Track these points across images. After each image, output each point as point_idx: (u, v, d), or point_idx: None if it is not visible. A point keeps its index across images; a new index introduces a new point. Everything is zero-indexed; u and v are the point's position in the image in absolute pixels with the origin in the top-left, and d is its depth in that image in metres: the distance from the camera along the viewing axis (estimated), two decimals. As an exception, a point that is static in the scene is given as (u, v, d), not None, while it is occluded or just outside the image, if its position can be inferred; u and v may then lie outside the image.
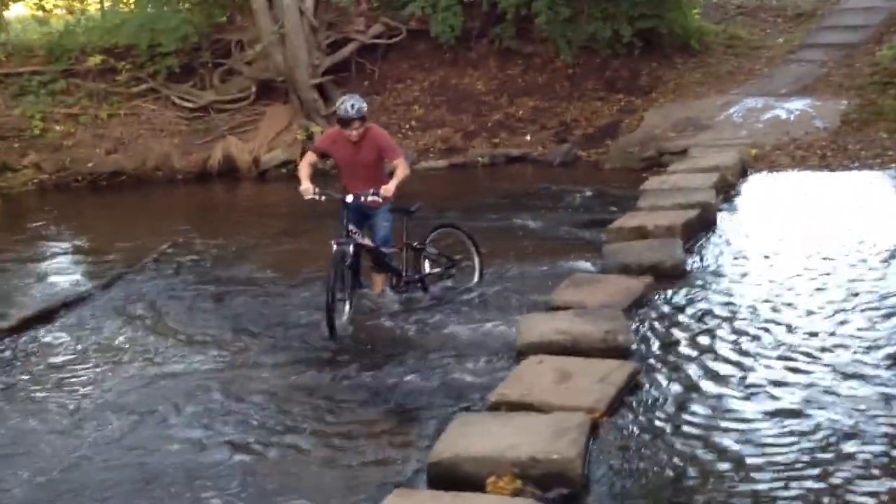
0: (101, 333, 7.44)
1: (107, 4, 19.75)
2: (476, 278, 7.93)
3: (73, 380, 6.46)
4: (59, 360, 6.88)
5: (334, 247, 6.91)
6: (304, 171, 7.27)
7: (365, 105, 7.19)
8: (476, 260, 7.96)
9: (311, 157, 7.44)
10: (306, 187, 7.11)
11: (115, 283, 8.82)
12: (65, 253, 10.86)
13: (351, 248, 6.95)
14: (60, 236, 11.68)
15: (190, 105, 16.20)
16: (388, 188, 7.04)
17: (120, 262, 9.63)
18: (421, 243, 7.65)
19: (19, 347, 7.15)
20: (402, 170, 7.18)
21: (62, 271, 9.78)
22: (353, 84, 16.45)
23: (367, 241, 7.17)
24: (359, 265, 7.24)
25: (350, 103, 7.08)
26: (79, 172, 15.10)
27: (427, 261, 7.78)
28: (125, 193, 14.48)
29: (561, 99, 16.11)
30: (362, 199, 7.01)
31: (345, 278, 7.00)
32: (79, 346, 7.14)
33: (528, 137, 15.33)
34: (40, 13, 19.12)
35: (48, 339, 7.36)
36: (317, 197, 7.10)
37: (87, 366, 6.72)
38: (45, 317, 7.80)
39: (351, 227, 7.03)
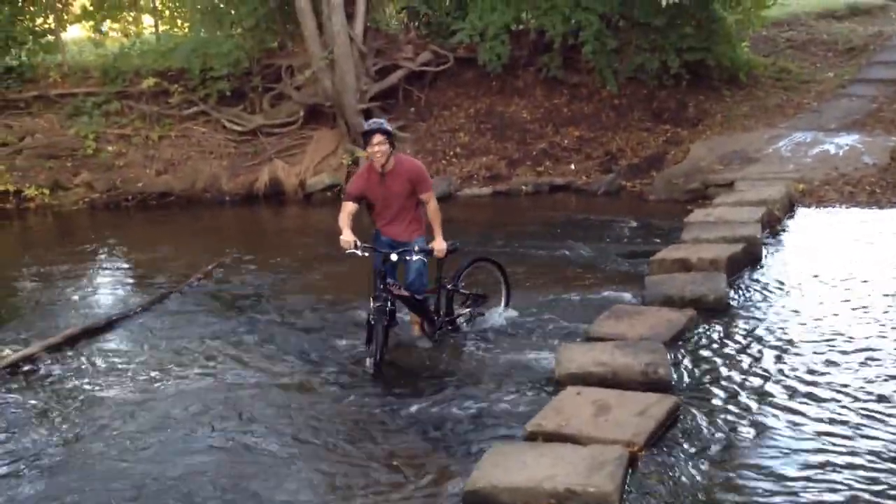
0: (144, 351, 7.54)
1: (161, 28, 20.17)
2: (502, 307, 7.84)
3: (115, 395, 6.55)
4: (101, 376, 6.97)
5: (373, 304, 6.79)
6: (344, 220, 6.96)
7: (390, 127, 7.06)
8: (504, 290, 7.87)
9: (348, 206, 7.05)
10: (347, 239, 6.81)
11: (161, 302, 8.95)
12: (112, 271, 11.06)
13: (390, 305, 6.81)
14: (109, 254, 11.88)
15: (239, 128, 16.47)
16: (441, 248, 6.96)
17: (166, 282, 9.78)
18: (454, 284, 7.46)
19: (64, 363, 7.26)
20: (437, 212, 7.09)
21: (109, 289, 9.96)
22: (400, 110, 16.62)
23: (403, 292, 7.00)
24: (395, 309, 7.10)
25: (375, 118, 7.04)
26: (129, 192, 15.43)
27: (458, 300, 7.61)
28: (173, 214, 14.73)
29: (606, 129, 16.10)
30: (407, 258, 6.92)
31: (386, 335, 6.83)
32: (122, 363, 7.23)
33: (573, 166, 15.33)
34: (96, 36, 19.56)
35: (92, 355, 7.47)
36: (358, 252, 6.84)
37: (131, 381, 6.81)
38: (90, 333, 7.94)
39: (389, 280, 6.87)
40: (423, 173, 7.14)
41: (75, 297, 9.59)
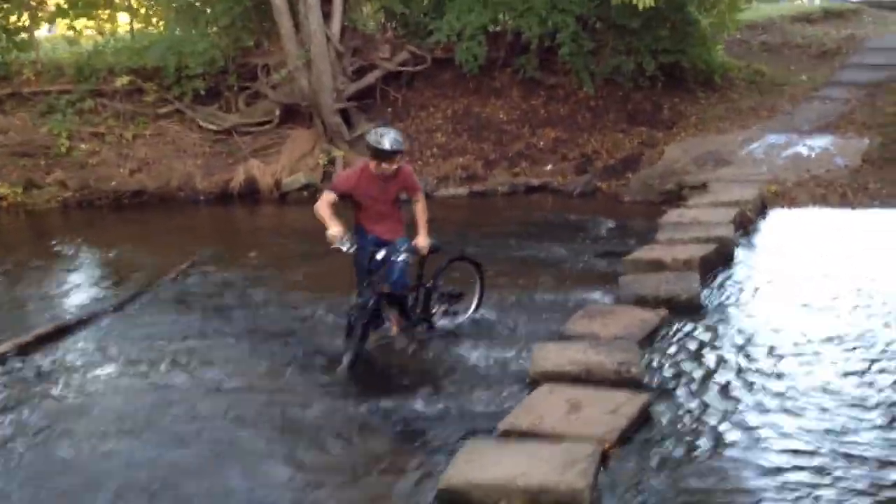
0: (115, 350, 7.46)
1: (136, 26, 20.03)
2: (472, 308, 7.80)
3: (85, 394, 6.54)
4: (71, 375, 6.92)
5: (355, 301, 6.79)
6: (327, 211, 6.74)
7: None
8: (478, 289, 7.84)
9: (331, 197, 6.86)
10: (336, 233, 6.62)
11: (133, 301, 8.89)
12: (85, 270, 10.96)
13: (372, 303, 6.81)
14: (82, 253, 11.78)
15: (214, 127, 16.37)
16: (424, 245, 6.98)
17: (139, 280, 9.71)
18: (433, 282, 7.44)
19: (34, 363, 7.19)
20: (424, 211, 7.09)
21: (81, 288, 9.87)
22: (377, 110, 16.60)
23: (386, 288, 6.96)
24: (379, 307, 7.08)
25: (393, 136, 6.75)
26: (102, 191, 15.27)
27: (435, 297, 7.55)
28: (147, 213, 14.61)
29: (582, 130, 16.16)
30: (392, 257, 6.87)
31: (365, 333, 6.83)
32: (93, 362, 7.19)
33: (549, 167, 15.36)
34: (70, 33, 19.40)
35: (63, 354, 7.41)
36: (345, 248, 6.68)
37: (102, 380, 6.79)
38: (61, 333, 7.87)
39: (374, 277, 6.85)
40: (415, 179, 7.22)
41: (47, 296, 9.51)
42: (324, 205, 6.81)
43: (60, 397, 6.50)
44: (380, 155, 6.78)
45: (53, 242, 12.28)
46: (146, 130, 16.24)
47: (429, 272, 7.41)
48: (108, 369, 7.02)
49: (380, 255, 6.85)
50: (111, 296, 9.21)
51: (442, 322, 7.59)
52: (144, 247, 11.96)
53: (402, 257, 6.94)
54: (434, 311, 7.53)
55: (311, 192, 14.79)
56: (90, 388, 6.65)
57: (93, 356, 7.35)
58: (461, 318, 7.70)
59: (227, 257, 10.86)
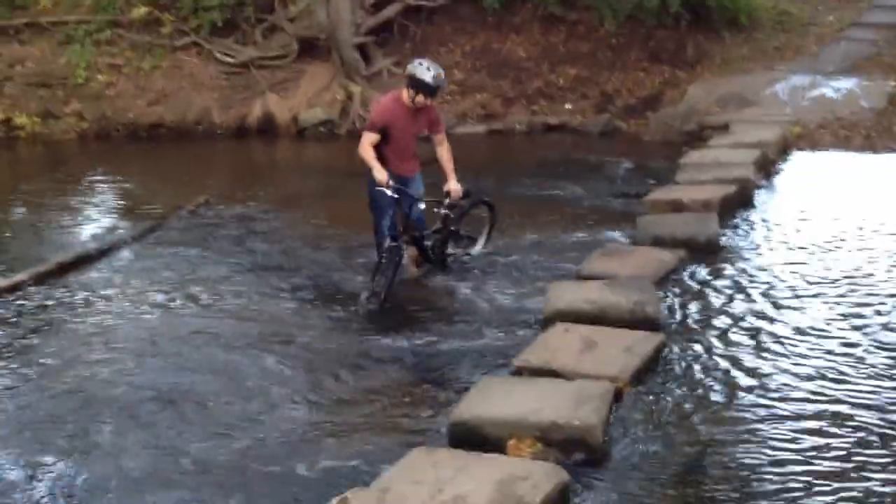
0: (131, 281, 7.52)
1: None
2: (477, 248, 7.76)
3: (102, 322, 6.59)
4: (91, 303, 6.98)
5: (389, 243, 6.78)
6: (370, 153, 6.66)
7: None
8: (487, 231, 7.82)
9: (372, 137, 6.73)
10: (384, 177, 6.57)
11: (150, 233, 8.91)
12: (102, 201, 10.99)
13: (404, 243, 6.85)
14: (99, 185, 11.80)
15: (232, 60, 16.20)
16: (457, 190, 6.94)
17: (156, 213, 9.72)
18: (456, 224, 7.40)
19: (52, 292, 7.25)
20: (451, 156, 7.02)
21: (99, 219, 9.89)
22: (396, 45, 16.39)
23: (412, 230, 6.99)
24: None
25: (437, 71, 6.62)
26: (119, 122, 15.22)
27: (452, 239, 7.53)
28: (164, 145, 14.58)
29: (603, 68, 15.90)
30: (434, 210, 6.94)
31: (395, 274, 6.85)
32: (111, 293, 7.23)
33: (568, 106, 15.17)
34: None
35: (83, 283, 7.46)
36: (388, 191, 6.65)
37: (116, 310, 6.84)
38: (81, 262, 7.92)
39: (409, 221, 6.87)
40: (440, 116, 7.13)
41: (65, 226, 9.56)
42: (368, 147, 6.72)
43: (76, 325, 6.57)
44: (420, 87, 6.65)
45: (71, 173, 12.29)
46: (163, 62, 16.10)
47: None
48: (124, 299, 7.07)
49: (422, 205, 6.88)
50: (129, 227, 9.23)
51: (455, 261, 7.58)
52: (161, 179, 11.97)
53: (443, 211, 6.99)
54: (449, 252, 7.53)
55: (328, 128, 14.72)
56: (106, 317, 6.70)
57: (110, 286, 7.40)
58: (473, 250, 7.69)
59: (244, 191, 10.84)
